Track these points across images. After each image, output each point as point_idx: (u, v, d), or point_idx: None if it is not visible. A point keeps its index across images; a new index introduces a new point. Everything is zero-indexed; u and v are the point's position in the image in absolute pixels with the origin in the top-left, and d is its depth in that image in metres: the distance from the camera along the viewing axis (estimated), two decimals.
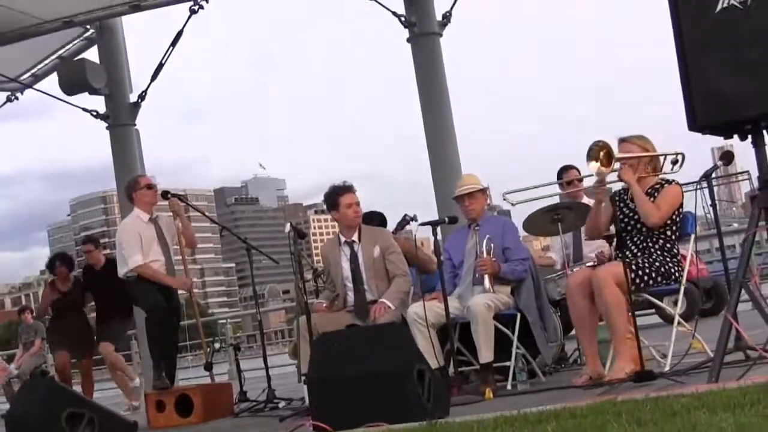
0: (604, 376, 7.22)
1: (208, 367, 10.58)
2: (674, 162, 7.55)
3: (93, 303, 13.21)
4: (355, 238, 8.95)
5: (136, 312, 12.40)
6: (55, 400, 7.90)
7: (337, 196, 8.95)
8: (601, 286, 7.17)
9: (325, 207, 9.44)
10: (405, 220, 8.63)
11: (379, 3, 14.46)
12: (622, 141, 7.62)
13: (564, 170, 10.00)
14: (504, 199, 8.95)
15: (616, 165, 7.33)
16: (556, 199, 9.91)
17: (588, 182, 7.90)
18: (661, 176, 7.62)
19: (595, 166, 7.18)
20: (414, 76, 15.03)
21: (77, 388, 12.43)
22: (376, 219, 10.24)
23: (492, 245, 8.32)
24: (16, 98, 18.30)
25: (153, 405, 9.72)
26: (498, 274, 8.27)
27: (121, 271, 10.18)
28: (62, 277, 13.21)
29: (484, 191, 8.68)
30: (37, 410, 7.83)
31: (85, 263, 13.20)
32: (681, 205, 7.57)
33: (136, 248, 10.07)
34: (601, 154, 7.14)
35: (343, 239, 9.02)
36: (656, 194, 7.50)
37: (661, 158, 7.65)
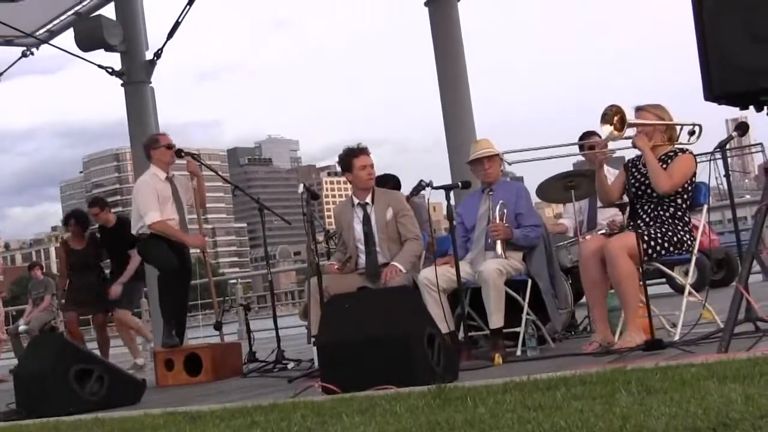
0: (613, 343, 7.23)
1: (218, 326, 10.61)
2: (691, 133, 7.53)
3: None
4: (368, 200, 8.95)
5: (147, 270, 12.42)
6: (64, 357, 7.91)
7: (351, 157, 8.94)
8: (613, 257, 7.17)
9: (338, 169, 9.42)
10: (420, 186, 8.62)
11: None
12: (639, 109, 7.60)
13: (585, 136, 9.96)
14: (501, 159, 8.92)
15: (630, 131, 7.32)
16: (570, 167, 9.87)
17: (612, 146, 7.86)
18: (676, 146, 7.60)
19: (608, 129, 7.17)
20: (431, 40, 14.98)
21: (90, 346, 12.49)
22: (391, 181, 10.23)
23: (505, 210, 8.32)
24: (32, 53, 18.27)
25: (162, 363, 9.77)
26: (510, 240, 8.27)
27: (136, 227, 10.21)
28: (75, 235, 13.19)
29: (499, 156, 8.67)
30: (46, 366, 7.84)
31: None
32: (694, 174, 7.56)
33: (153, 204, 10.10)
34: (615, 118, 7.13)
35: (356, 201, 9.01)
36: (669, 161, 7.48)
37: (678, 128, 7.63)
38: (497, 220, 8.27)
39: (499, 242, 8.17)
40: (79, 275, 13.09)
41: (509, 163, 8.56)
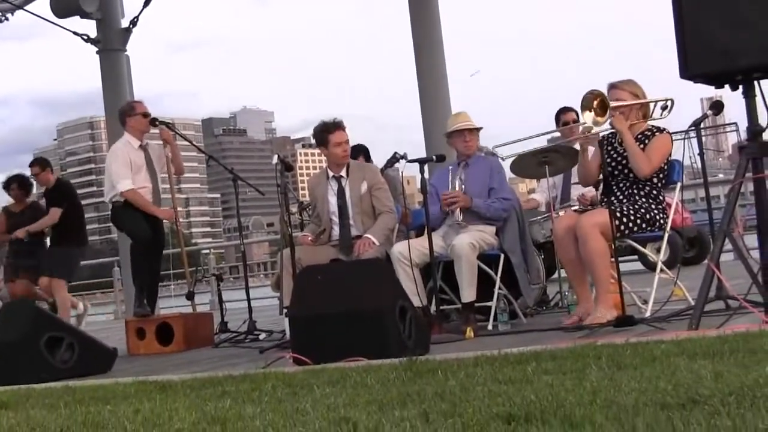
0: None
1: (190, 296, 10.60)
2: (663, 108, 7.56)
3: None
4: (343, 173, 8.93)
5: (120, 238, 12.37)
6: (36, 325, 7.88)
7: (326, 132, 8.91)
8: (585, 234, 7.19)
9: (313, 141, 9.40)
10: (395, 158, 8.63)
11: None
12: (612, 87, 7.60)
13: (562, 112, 9.97)
14: (492, 153, 8.96)
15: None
16: (545, 143, 9.90)
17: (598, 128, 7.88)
18: (650, 123, 7.62)
19: (589, 116, 7.17)
20: (408, 16, 14.97)
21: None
22: (361, 153, 10.22)
23: (464, 186, 8.34)
24: (6, 19, 18.16)
25: (133, 332, 9.76)
26: (470, 208, 8.27)
27: (108, 195, 10.16)
28: (17, 199, 12.99)
29: (478, 131, 8.69)
30: (17, 334, 7.81)
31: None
32: (669, 154, 7.59)
33: (126, 173, 10.06)
34: (595, 103, 7.13)
35: (331, 174, 8.99)
36: (647, 141, 7.50)
37: (651, 104, 7.65)
38: (457, 189, 8.30)
39: (457, 210, 8.20)
40: (18, 240, 12.80)
41: (503, 159, 8.62)
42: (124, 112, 10.57)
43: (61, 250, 12.57)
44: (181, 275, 12.50)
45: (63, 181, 12.75)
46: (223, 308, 10.55)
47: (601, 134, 7.83)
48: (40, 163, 12.95)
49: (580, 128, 7.40)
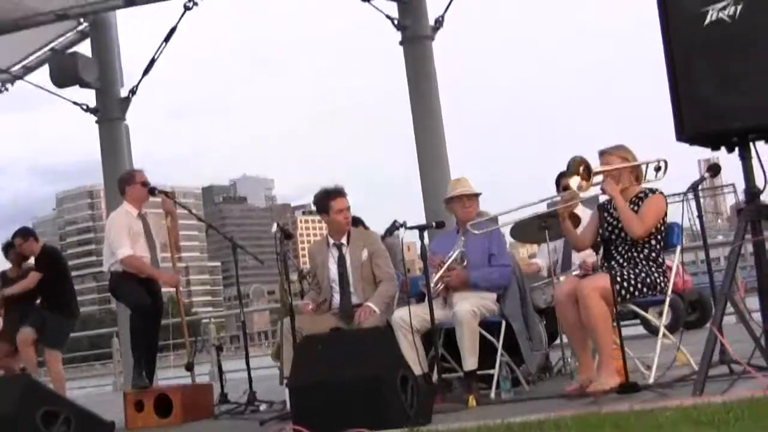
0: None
1: (190, 367, 10.52)
2: (657, 169, 7.55)
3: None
4: (344, 240, 8.92)
5: (118, 308, 12.30)
6: (31, 398, 7.80)
7: (327, 200, 8.90)
8: (586, 299, 7.15)
9: (313, 208, 9.38)
10: (394, 226, 8.61)
11: (374, 6, 14.48)
12: (603, 153, 7.64)
13: (562, 176, 9.95)
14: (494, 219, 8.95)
15: (598, 178, 7.35)
16: (545, 207, 9.86)
17: (585, 193, 7.88)
18: (644, 186, 7.62)
19: (576, 180, 7.19)
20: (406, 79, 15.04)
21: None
22: (359, 223, 10.21)
23: (464, 257, 8.30)
24: (6, 89, 18.29)
25: (132, 404, 9.65)
26: (469, 284, 8.24)
27: (108, 262, 10.10)
28: (15, 264, 12.82)
29: (477, 196, 8.69)
30: (13, 408, 7.72)
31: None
32: (665, 215, 7.58)
33: (126, 240, 10.00)
34: (581, 168, 7.16)
35: (331, 241, 8.98)
36: (640, 203, 7.50)
37: (643, 167, 7.66)
38: (452, 264, 8.26)
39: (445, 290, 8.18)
40: (13, 307, 12.63)
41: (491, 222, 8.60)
42: (123, 180, 10.56)
43: (54, 319, 12.49)
44: (181, 345, 12.41)
45: (48, 247, 12.67)
46: (223, 379, 10.45)
47: (600, 199, 7.83)
48: (21, 233, 12.74)
49: (575, 189, 7.37)
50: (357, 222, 10.01)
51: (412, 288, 8.87)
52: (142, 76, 17.20)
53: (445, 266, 8.25)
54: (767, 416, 4.38)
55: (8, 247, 12.94)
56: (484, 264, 8.35)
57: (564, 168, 9.82)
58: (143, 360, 9.98)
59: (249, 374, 9.96)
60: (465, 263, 8.32)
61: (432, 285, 8.07)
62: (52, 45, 17.79)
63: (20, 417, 7.61)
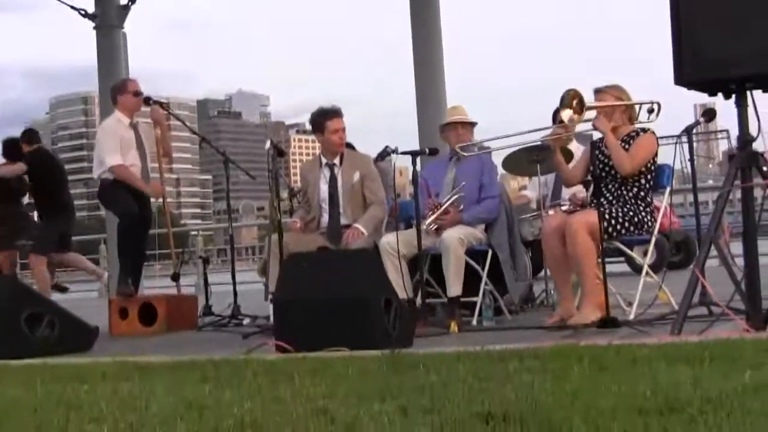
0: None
1: (175, 277, 10.55)
2: (650, 111, 7.59)
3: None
4: (336, 161, 8.92)
5: (107, 217, 12.31)
6: (15, 300, 7.84)
7: (324, 119, 8.89)
8: (573, 234, 7.21)
9: (308, 127, 9.37)
10: (386, 152, 8.62)
11: None
12: (598, 91, 7.67)
13: (558, 112, 9.93)
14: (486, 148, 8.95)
15: (590, 113, 7.37)
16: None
17: (579, 127, 7.91)
18: (637, 126, 7.65)
19: (567, 113, 7.23)
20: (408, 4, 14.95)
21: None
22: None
23: (460, 197, 8.32)
24: None
25: (116, 311, 9.71)
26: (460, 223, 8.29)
27: (97, 171, 10.08)
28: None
29: (472, 125, 8.70)
30: None
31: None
32: (656, 155, 7.61)
33: (116, 148, 9.97)
34: (574, 102, 7.18)
35: (324, 161, 8.98)
36: (632, 142, 7.54)
37: (637, 107, 7.68)
38: (447, 205, 8.28)
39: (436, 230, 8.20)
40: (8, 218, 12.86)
41: (482, 148, 8.60)
42: (116, 89, 10.52)
43: (41, 225, 12.53)
44: (168, 255, 12.45)
45: (41, 151, 12.69)
46: (208, 291, 10.49)
47: (594, 136, 7.86)
48: (21, 138, 12.87)
49: (566, 121, 7.39)
50: (348, 147, 10.02)
51: (401, 213, 8.90)
52: None
53: (442, 209, 8.25)
54: (742, 357, 4.43)
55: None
56: (474, 192, 8.37)
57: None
58: (130, 268, 10.01)
59: (234, 288, 10.01)
60: (461, 207, 8.32)
61: (425, 225, 8.09)
62: None
63: (4, 318, 7.66)
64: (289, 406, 3.92)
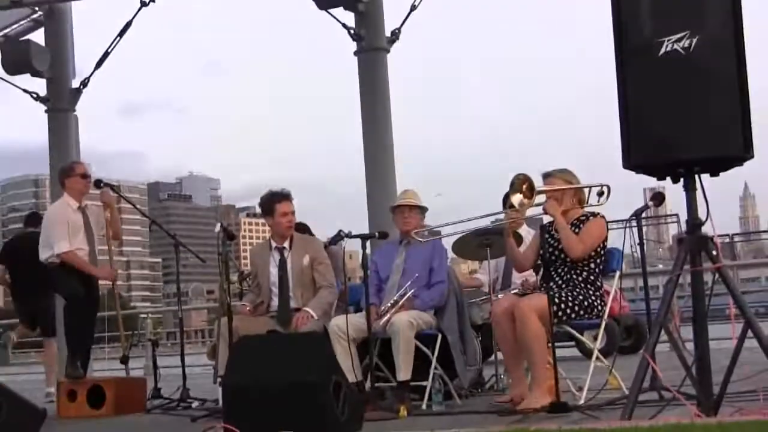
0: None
1: (124, 360, 10.47)
2: (600, 194, 7.63)
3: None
4: (286, 245, 8.92)
5: (57, 299, 12.22)
6: None
7: (273, 202, 8.90)
8: (523, 318, 7.21)
9: (258, 210, 9.37)
10: (339, 236, 8.65)
11: (331, 15, 14.45)
12: (547, 176, 7.73)
13: (508, 196, 9.96)
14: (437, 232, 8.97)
15: (541, 198, 7.42)
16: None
17: (529, 212, 7.96)
18: (587, 209, 7.70)
19: (518, 198, 7.25)
20: (358, 89, 15.02)
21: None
22: (306, 231, 10.20)
23: (414, 288, 8.31)
24: None
25: (65, 394, 9.61)
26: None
27: (44, 255, 10.04)
28: None
29: (422, 209, 8.71)
30: None
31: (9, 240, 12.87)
32: (605, 239, 7.66)
33: (64, 234, 9.95)
34: (524, 186, 7.22)
35: (274, 244, 8.98)
36: (582, 226, 7.58)
37: (586, 190, 7.74)
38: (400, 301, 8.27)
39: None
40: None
41: (431, 232, 8.61)
42: (63, 172, 10.51)
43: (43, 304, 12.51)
44: (116, 338, 12.34)
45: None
46: (157, 374, 10.41)
47: (544, 220, 7.90)
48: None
49: (516, 206, 7.42)
50: (303, 228, 10.02)
51: (351, 297, 8.89)
52: (95, 69, 17.04)
53: (396, 307, 8.22)
54: None
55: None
56: (424, 276, 8.38)
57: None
58: (78, 350, 9.92)
59: (183, 371, 9.94)
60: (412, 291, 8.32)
61: (381, 322, 8.07)
62: (5, 32, 17.57)
63: None
64: None
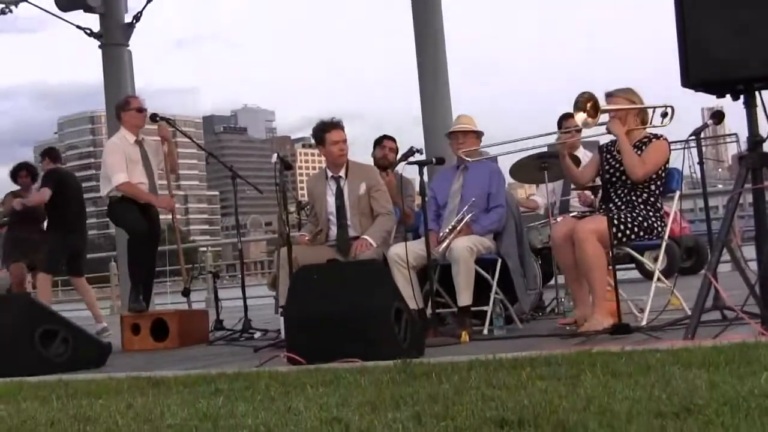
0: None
1: (186, 293, 10.58)
2: (663, 115, 7.52)
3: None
4: (342, 173, 8.92)
5: (117, 233, 12.32)
6: (30, 317, 7.84)
7: (324, 132, 8.89)
8: (582, 241, 7.17)
9: (312, 141, 9.37)
10: (410, 152, 8.64)
11: None
12: (610, 95, 7.60)
13: (564, 118, 9.88)
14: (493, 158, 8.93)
15: (604, 117, 7.32)
16: (545, 148, 9.84)
17: (586, 132, 7.89)
18: (650, 130, 7.61)
19: (582, 117, 7.15)
20: (411, 13, 14.93)
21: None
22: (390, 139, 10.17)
23: (472, 213, 8.27)
24: (10, 11, 18.10)
25: (128, 327, 9.73)
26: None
27: (105, 189, 10.08)
28: (24, 187, 13.14)
29: (478, 134, 8.65)
30: (11, 326, 7.76)
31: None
32: (667, 161, 7.57)
33: (122, 166, 9.97)
34: (588, 105, 7.12)
35: (330, 174, 8.98)
36: (644, 147, 7.49)
37: (650, 111, 7.63)
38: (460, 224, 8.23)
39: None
40: (22, 229, 12.95)
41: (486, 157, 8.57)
42: (119, 106, 10.55)
43: (49, 242, 12.51)
44: (178, 272, 12.46)
45: (55, 168, 12.68)
46: (218, 306, 10.51)
47: (601, 141, 7.83)
48: (44, 154, 12.89)
49: (580, 125, 7.34)
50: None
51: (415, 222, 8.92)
52: (147, 2, 17.13)
53: (456, 232, 8.19)
54: (757, 360, 4.41)
55: (18, 170, 13.15)
56: (483, 201, 8.35)
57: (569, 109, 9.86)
58: (140, 284, 10.02)
59: (245, 302, 10.01)
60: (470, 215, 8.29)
61: (441, 249, 8.06)
62: None
63: (19, 335, 7.67)
64: (302, 415, 3.92)
